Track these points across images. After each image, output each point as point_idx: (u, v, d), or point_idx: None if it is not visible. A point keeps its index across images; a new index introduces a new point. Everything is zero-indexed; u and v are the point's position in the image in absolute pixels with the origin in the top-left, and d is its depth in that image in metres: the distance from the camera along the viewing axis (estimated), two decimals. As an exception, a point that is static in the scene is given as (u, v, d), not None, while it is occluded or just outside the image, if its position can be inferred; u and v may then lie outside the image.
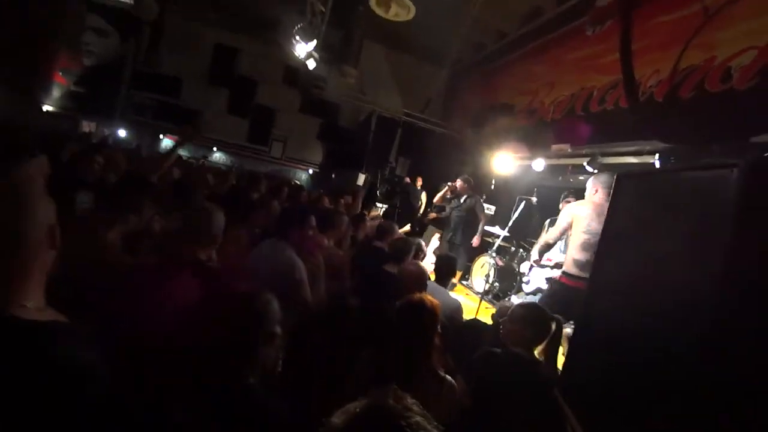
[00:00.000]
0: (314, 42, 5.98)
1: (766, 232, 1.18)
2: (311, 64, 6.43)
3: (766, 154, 2.50)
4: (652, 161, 3.77)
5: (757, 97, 2.87)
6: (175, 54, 8.96)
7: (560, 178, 6.04)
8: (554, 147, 5.36)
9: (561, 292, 3.08)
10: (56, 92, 8.77)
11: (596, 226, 2.85)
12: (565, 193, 4.43)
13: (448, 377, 1.53)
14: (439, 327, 1.57)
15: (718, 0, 3.19)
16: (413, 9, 4.96)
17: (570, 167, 5.66)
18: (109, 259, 1.66)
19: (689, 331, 1.30)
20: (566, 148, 5.19)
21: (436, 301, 1.64)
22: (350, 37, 7.51)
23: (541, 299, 3.30)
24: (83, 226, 1.77)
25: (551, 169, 5.82)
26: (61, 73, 8.73)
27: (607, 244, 2.01)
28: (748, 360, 1.14)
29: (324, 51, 6.79)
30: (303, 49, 6.00)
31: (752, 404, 1.17)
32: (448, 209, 6.21)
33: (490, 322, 2.77)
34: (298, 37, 5.88)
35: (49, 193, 0.83)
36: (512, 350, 1.79)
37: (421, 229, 6.55)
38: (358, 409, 0.73)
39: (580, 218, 3.08)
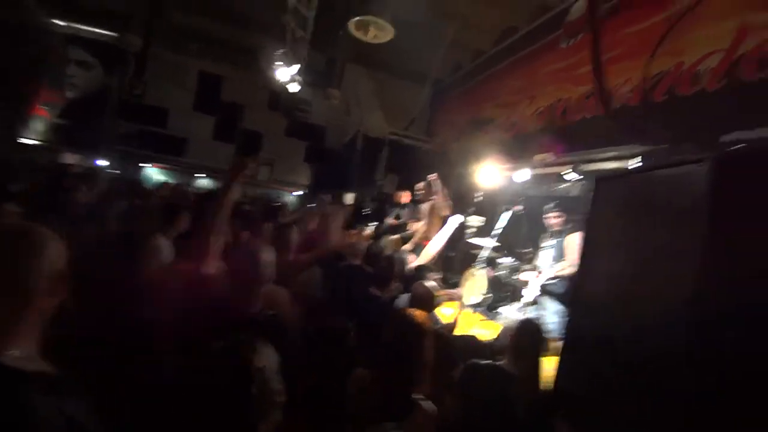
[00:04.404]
0: (297, 66, 6.08)
1: (737, 222, 1.19)
2: (294, 88, 6.53)
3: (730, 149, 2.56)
4: (634, 165, 3.84)
5: (726, 97, 2.96)
6: (161, 84, 9.03)
7: (545, 187, 6.10)
8: (537, 157, 5.43)
9: None
10: (39, 126, 8.72)
11: None
12: (550, 205, 4.49)
13: (424, 402, 1.36)
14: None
15: (679, 9, 3.34)
16: (392, 31, 5.07)
17: (555, 176, 5.73)
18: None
19: (674, 330, 1.30)
20: (549, 157, 5.27)
21: (422, 314, 1.56)
22: (333, 60, 7.67)
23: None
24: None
25: (538, 179, 5.86)
26: (43, 107, 8.71)
27: (589, 251, 2.01)
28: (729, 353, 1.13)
29: (308, 75, 6.90)
30: (286, 73, 6.10)
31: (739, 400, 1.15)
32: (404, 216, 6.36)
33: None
34: (280, 62, 5.99)
35: None
36: (497, 363, 1.74)
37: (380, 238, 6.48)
38: None
39: None
